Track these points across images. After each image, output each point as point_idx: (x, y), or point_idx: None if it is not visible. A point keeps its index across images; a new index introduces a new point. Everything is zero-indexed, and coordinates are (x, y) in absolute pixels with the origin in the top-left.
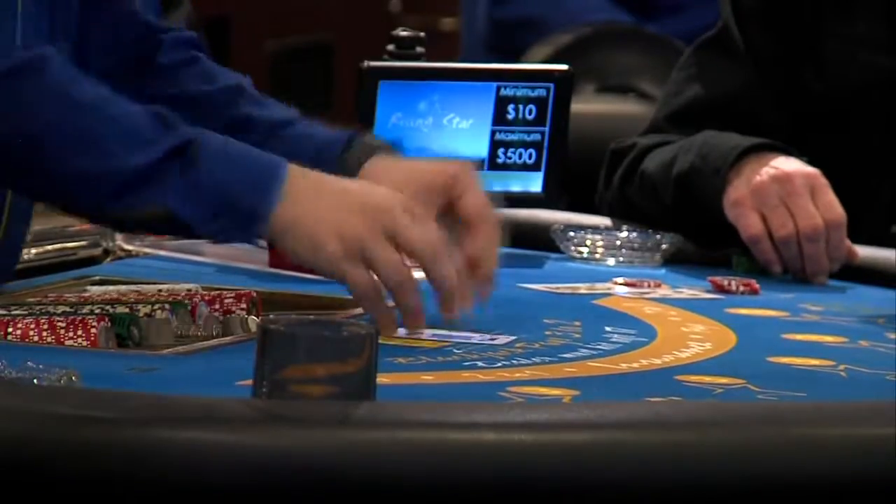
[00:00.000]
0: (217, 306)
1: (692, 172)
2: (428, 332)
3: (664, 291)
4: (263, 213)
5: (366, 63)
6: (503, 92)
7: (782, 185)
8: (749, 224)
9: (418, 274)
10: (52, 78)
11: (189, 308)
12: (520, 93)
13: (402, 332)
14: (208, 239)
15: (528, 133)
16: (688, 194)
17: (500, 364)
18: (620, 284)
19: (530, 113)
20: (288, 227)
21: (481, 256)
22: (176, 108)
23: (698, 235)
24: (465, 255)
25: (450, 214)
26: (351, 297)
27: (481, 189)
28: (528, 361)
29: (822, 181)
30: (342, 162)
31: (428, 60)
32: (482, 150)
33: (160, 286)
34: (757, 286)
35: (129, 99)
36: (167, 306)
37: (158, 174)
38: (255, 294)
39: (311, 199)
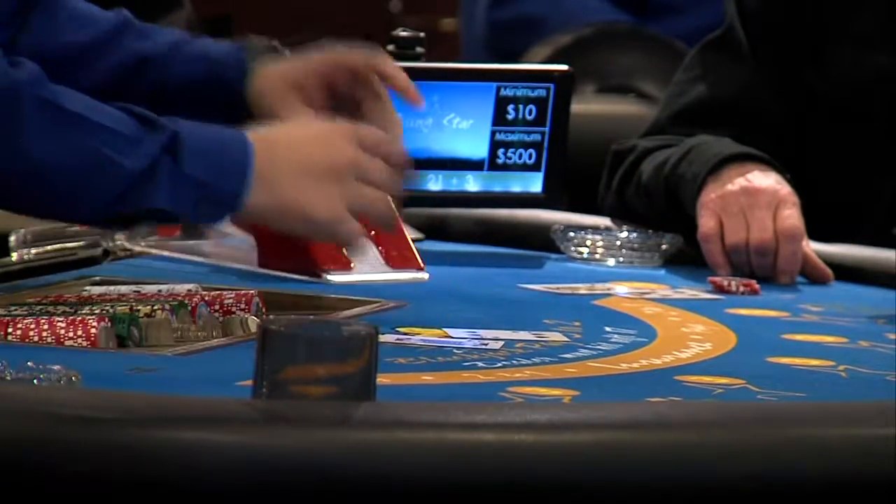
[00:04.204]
0: (217, 306)
1: (677, 177)
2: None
3: (664, 292)
4: (241, 197)
5: None
6: (503, 92)
7: (748, 196)
8: (704, 223)
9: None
10: (35, 95)
11: (189, 308)
12: (520, 93)
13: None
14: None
15: (528, 133)
16: (674, 198)
17: (500, 364)
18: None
19: (530, 113)
20: (269, 208)
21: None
22: (57, 62)
23: (690, 239)
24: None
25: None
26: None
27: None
28: (528, 361)
29: (790, 199)
30: (245, 76)
31: (428, 60)
32: (482, 150)
33: (160, 286)
34: (757, 286)
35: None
36: (167, 306)
37: (153, 173)
38: (257, 297)
39: (283, 174)
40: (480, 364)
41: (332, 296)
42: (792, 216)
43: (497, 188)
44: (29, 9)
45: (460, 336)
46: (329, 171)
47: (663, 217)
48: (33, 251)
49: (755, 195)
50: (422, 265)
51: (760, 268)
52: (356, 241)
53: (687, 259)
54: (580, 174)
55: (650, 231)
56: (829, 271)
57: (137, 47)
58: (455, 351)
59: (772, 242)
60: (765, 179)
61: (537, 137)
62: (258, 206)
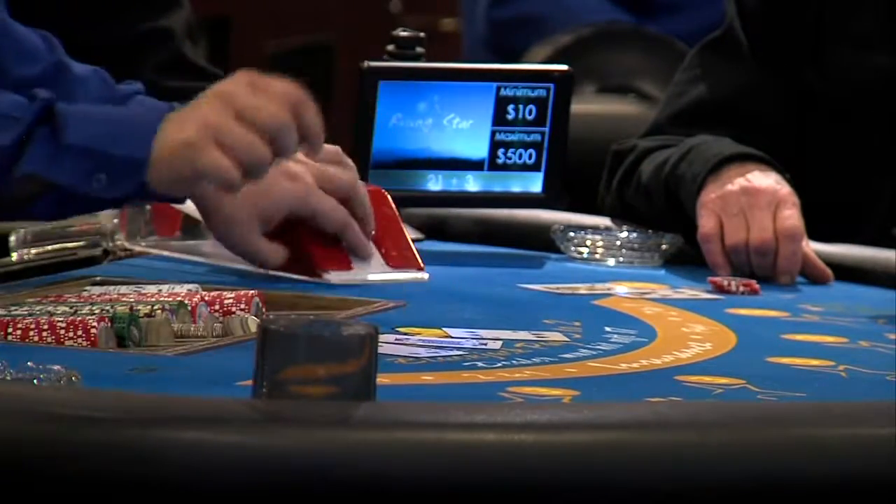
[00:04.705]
0: (217, 306)
1: (677, 177)
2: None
3: (664, 292)
4: (141, 160)
5: (366, 63)
6: (503, 92)
7: (748, 196)
8: (704, 224)
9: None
10: None
11: (189, 308)
12: (520, 93)
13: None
14: (111, 205)
15: (528, 133)
16: (674, 198)
17: (500, 364)
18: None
19: (530, 113)
20: (162, 157)
21: (357, 251)
22: None
23: (690, 240)
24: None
25: None
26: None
27: (334, 196)
28: (528, 361)
29: (790, 199)
30: None
31: (428, 60)
32: (482, 150)
33: (160, 286)
34: (757, 286)
35: None
36: (167, 306)
37: (26, 145)
38: (257, 297)
39: (178, 123)
40: (480, 364)
41: (332, 296)
42: (792, 216)
43: (497, 188)
44: None
45: (460, 336)
46: (211, 99)
47: (663, 217)
48: (33, 251)
49: (755, 195)
50: (422, 265)
51: (760, 268)
52: (215, 169)
53: (687, 259)
54: (580, 174)
55: (650, 231)
56: (828, 271)
57: (70, 100)
58: (455, 351)
59: (772, 242)
60: (765, 179)
61: (537, 137)
62: (156, 163)
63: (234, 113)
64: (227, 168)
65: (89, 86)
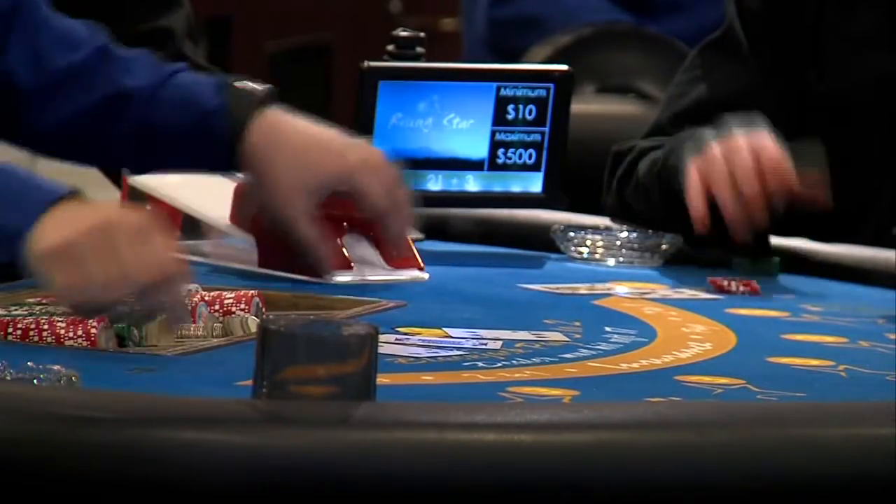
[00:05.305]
0: (217, 306)
1: (669, 169)
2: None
3: (664, 292)
4: (22, 235)
5: (366, 63)
6: (503, 92)
7: (727, 144)
8: (690, 183)
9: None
10: None
11: (189, 308)
12: (520, 93)
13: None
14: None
15: (528, 133)
16: (670, 191)
17: (500, 364)
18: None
19: (530, 113)
20: (43, 251)
21: (395, 244)
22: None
23: (687, 234)
24: (380, 243)
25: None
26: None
27: (382, 180)
28: (528, 361)
29: (767, 135)
30: (235, 132)
31: (428, 60)
32: (482, 150)
33: None
34: (757, 286)
35: None
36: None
37: None
38: (257, 297)
39: (65, 223)
40: (480, 364)
41: (332, 296)
42: (769, 144)
43: (497, 188)
44: (7, 30)
45: (460, 336)
46: (91, 227)
47: (661, 213)
48: None
49: (733, 140)
50: (422, 265)
51: (750, 202)
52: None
53: (687, 259)
54: (580, 174)
55: (650, 231)
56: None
57: (119, 81)
58: (455, 351)
59: (755, 170)
60: (741, 130)
61: (537, 137)
62: (36, 242)
63: (110, 247)
64: (71, 291)
65: (136, 66)
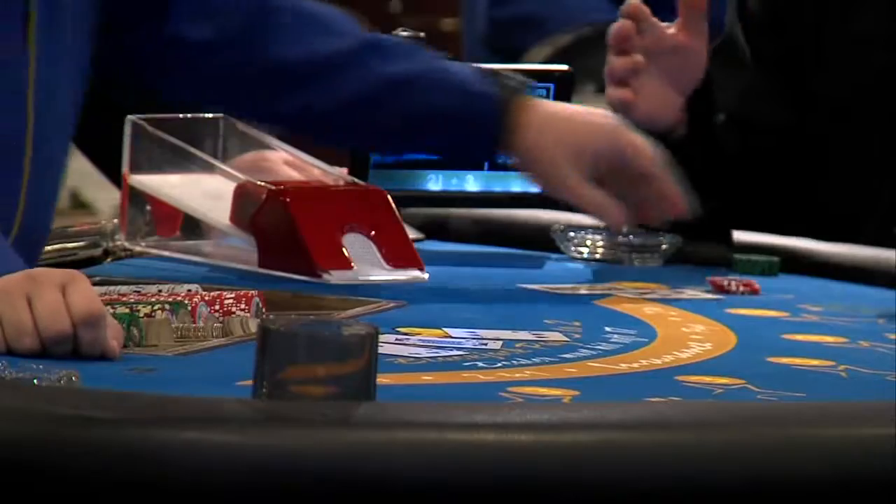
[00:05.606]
0: (217, 306)
1: None
2: None
3: (664, 292)
4: None
5: None
6: None
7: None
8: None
9: None
10: None
11: (189, 308)
12: None
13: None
14: None
15: None
16: None
17: (500, 364)
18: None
19: None
20: None
21: (667, 195)
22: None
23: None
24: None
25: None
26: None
27: (642, 143)
28: (528, 361)
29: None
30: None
31: None
32: None
33: (160, 286)
34: (757, 286)
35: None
36: (167, 306)
37: None
38: (257, 297)
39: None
40: (480, 364)
41: (332, 296)
42: None
43: (497, 188)
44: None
45: (460, 336)
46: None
47: None
48: None
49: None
50: (422, 265)
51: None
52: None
53: (687, 259)
54: None
55: (650, 231)
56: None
57: (381, 71)
58: (455, 351)
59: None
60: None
61: None
62: None
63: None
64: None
65: (400, 53)
